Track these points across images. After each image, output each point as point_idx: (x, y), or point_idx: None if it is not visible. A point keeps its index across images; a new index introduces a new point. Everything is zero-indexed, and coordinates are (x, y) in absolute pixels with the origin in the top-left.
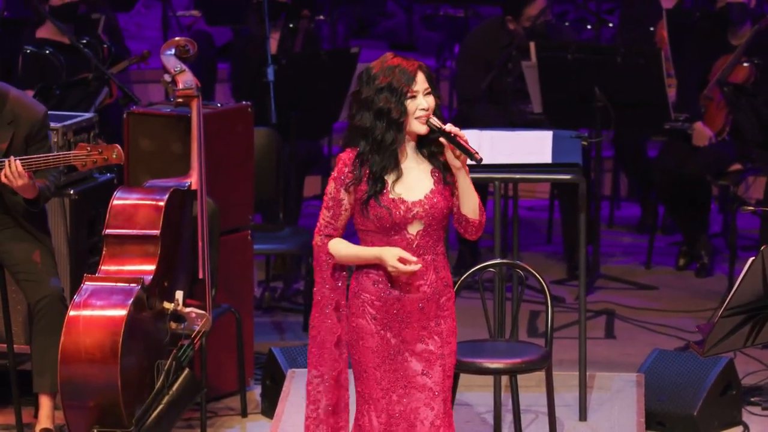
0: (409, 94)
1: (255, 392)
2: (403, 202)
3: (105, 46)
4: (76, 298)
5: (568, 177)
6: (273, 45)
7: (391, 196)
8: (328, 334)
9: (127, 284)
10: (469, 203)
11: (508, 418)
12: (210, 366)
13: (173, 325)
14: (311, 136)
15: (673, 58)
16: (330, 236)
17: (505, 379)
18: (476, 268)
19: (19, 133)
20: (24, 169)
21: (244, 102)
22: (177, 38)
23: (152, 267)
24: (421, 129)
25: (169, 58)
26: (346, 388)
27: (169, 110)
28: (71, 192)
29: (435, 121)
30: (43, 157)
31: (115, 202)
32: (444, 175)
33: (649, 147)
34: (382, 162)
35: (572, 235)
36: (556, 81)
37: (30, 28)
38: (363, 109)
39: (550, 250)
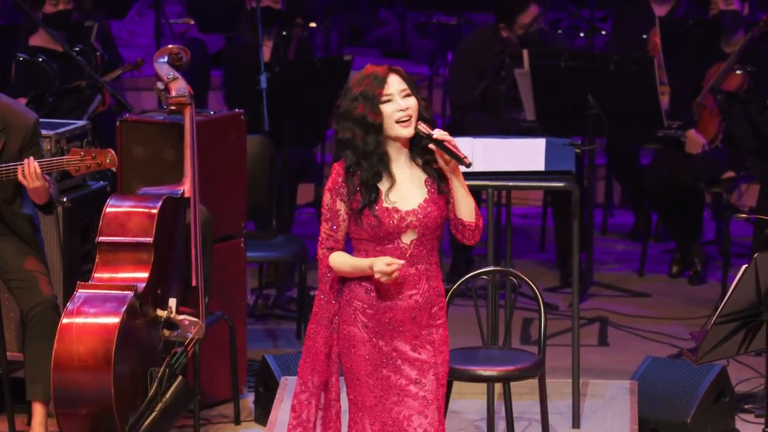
0: (383, 98)
1: (248, 400)
2: (397, 211)
3: (98, 53)
4: (69, 306)
5: (561, 184)
6: (266, 53)
7: (385, 205)
8: (322, 345)
9: (120, 292)
10: (464, 207)
11: (501, 425)
12: (203, 373)
13: (166, 332)
14: (304, 143)
15: (666, 66)
16: (332, 249)
17: (498, 387)
18: (469, 275)
19: (10, 140)
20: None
21: (237, 110)
22: (170, 46)
23: (145, 274)
24: (404, 132)
25: (162, 65)
26: (337, 398)
27: (162, 118)
28: (64, 200)
29: (423, 127)
30: (38, 162)
31: (108, 209)
32: (439, 184)
33: (642, 154)
34: (371, 169)
35: (565, 243)
36: (549, 89)
37: (23, 36)
38: (342, 120)
39: (543, 257)
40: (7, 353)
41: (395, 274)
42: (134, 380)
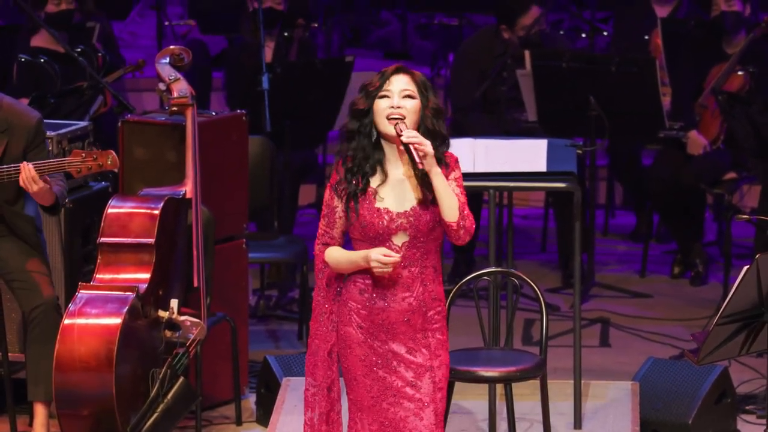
0: (380, 93)
1: (250, 400)
2: (388, 212)
3: (100, 54)
4: (71, 307)
5: (562, 185)
6: (268, 54)
7: (376, 205)
8: (322, 342)
9: (122, 293)
10: (444, 207)
11: (502, 426)
12: (205, 374)
13: (168, 333)
14: (306, 144)
15: (668, 67)
16: (327, 244)
17: (500, 388)
18: (471, 276)
19: (13, 141)
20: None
21: (238, 110)
22: (172, 47)
23: (147, 275)
24: (389, 130)
25: (163, 66)
26: (338, 398)
27: (163, 119)
28: (66, 200)
29: (399, 126)
30: (38, 163)
31: (110, 210)
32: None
33: (644, 155)
34: (357, 157)
35: (567, 244)
36: (551, 90)
37: (24, 36)
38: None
39: (544, 258)
40: (9, 354)
41: (389, 267)
42: (136, 381)
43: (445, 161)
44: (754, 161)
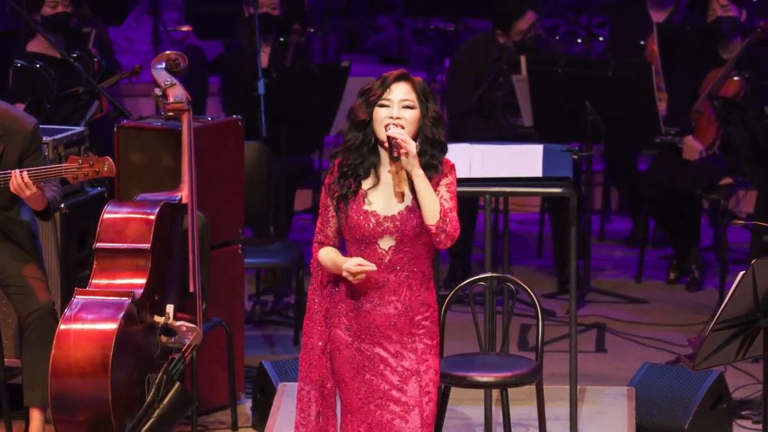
0: (380, 101)
1: (246, 406)
2: (375, 215)
3: (96, 60)
4: (67, 312)
5: (558, 191)
6: (264, 59)
7: (364, 207)
8: (316, 340)
9: (117, 298)
10: (424, 209)
11: (498, 431)
12: (201, 379)
13: (164, 338)
14: (302, 149)
15: (664, 72)
16: (321, 243)
17: (495, 393)
18: (467, 281)
19: (9, 147)
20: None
21: (234, 116)
22: (168, 52)
23: (143, 281)
24: (385, 138)
25: (159, 72)
26: (332, 397)
27: (159, 124)
28: (62, 206)
29: (392, 130)
30: (34, 169)
31: (106, 215)
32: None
33: (640, 161)
34: (353, 161)
35: (563, 249)
36: (547, 95)
37: (21, 42)
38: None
39: (540, 263)
40: (5, 359)
41: (360, 276)
42: (131, 386)
43: (440, 168)
44: (749, 167)
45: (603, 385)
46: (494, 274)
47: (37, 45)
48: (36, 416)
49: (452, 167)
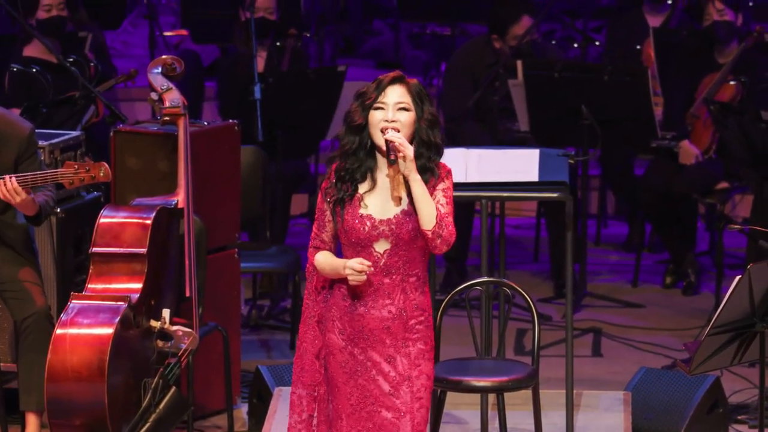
0: (375, 105)
1: (242, 410)
2: (371, 218)
3: (92, 64)
4: (63, 317)
5: (554, 195)
6: (260, 63)
7: (360, 211)
8: (309, 345)
9: (113, 302)
10: (420, 213)
11: None
12: (197, 384)
13: (160, 343)
14: (298, 154)
15: (660, 77)
16: (317, 248)
17: (492, 398)
18: (463, 286)
19: (4, 151)
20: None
21: (231, 120)
22: (164, 56)
23: (139, 285)
24: (383, 142)
25: (156, 76)
26: (325, 401)
27: (155, 128)
28: (58, 210)
29: (390, 134)
30: (30, 174)
31: (102, 220)
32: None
33: (636, 165)
34: (350, 165)
35: (559, 254)
36: (543, 99)
37: (17, 46)
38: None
39: (536, 268)
40: (1, 364)
41: (361, 277)
42: (128, 391)
43: (437, 171)
44: (746, 171)
45: (599, 390)
46: (490, 279)
47: (33, 49)
48: (32, 421)
49: (449, 172)
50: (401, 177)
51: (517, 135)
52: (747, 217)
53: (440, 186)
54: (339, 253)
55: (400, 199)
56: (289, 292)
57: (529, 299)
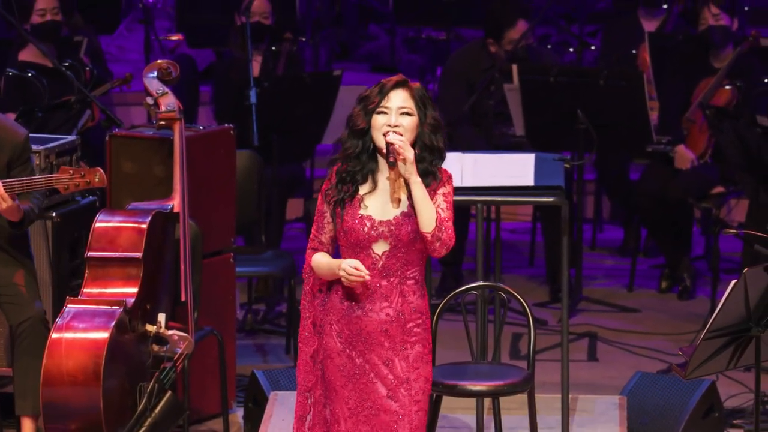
0: (378, 109)
1: (237, 415)
2: (370, 219)
3: (87, 68)
4: (59, 321)
5: (550, 200)
6: (255, 68)
7: (360, 212)
8: (305, 346)
9: (109, 307)
10: (420, 216)
11: None
12: (192, 388)
13: (155, 347)
14: (293, 158)
15: (656, 81)
16: (315, 249)
17: (487, 402)
18: (458, 290)
19: (0, 156)
20: (7, 192)
21: (226, 125)
22: (159, 61)
23: (135, 289)
24: (384, 145)
25: (151, 80)
26: (321, 404)
27: (151, 133)
28: (53, 215)
29: (391, 136)
30: (25, 180)
31: (98, 224)
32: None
33: (632, 170)
34: (352, 168)
35: (555, 258)
36: (539, 104)
37: (12, 50)
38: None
39: (532, 272)
40: None
41: (354, 279)
42: (123, 395)
43: (439, 176)
44: (741, 175)
45: (595, 394)
46: (486, 283)
47: (28, 54)
48: (28, 425)
49: (450, 177)
50: (401, 180)
51: (512, 139)
52: (742, 222)
53: (441, 190)
54: (337, 256)
55: (400, 201)
56: (284, 296)
57: (524, 303)
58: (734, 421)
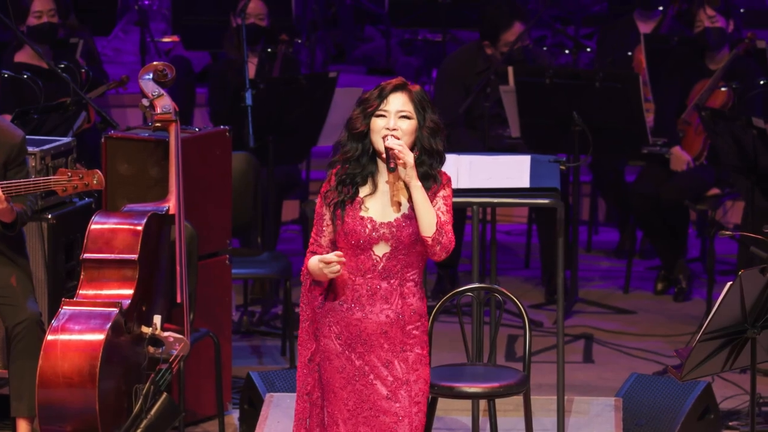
0: (377, 112)
1: (233, 416)
2: (371, 221)
3: (83, 70)
4: (54, 323)
5: (546, 201)
6: (251, 69)
7: (360, 214)
8: (302, 348)
9: (105, 308)
10: (420, 220)
11: None
12: (188, 390)
13: (151, 349)
14: (289, 160)
15: (651, 83)
16: (314, 252)
17: (483, 404)
18: (454, 292)
19: None
20: (5, 194)
21: (222, 126)
22: (155, 63)
23: (130, 291)
24: (383, 148)
25: (147, 82)
26: (319, 406)
27: (147, 135)
28: (49, 216)
29: (390, 141)
30: (23, 182)
31: (93, 226)
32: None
33: (627, 171)
34: (351, 170)
35: (550, 260)
36: (534, 106)
37: (8, 52)
38: (346, 122)
39: (528, 274)
40: None
41: (334, 268)
42: (119, 397)
43: (439, 179)
44: (737, 177)
45: (590, 396)
46: (482, 285)
47: (24, 55)
48: (23, 427)
49: (449, 180)
50: (401, 183)
51: (508, 141)
52: (738, 224)
53: (441, 193)
54: None
55: (400, 204)
56: (280, 298)
57: (520, 305)
58: (730, 423)
